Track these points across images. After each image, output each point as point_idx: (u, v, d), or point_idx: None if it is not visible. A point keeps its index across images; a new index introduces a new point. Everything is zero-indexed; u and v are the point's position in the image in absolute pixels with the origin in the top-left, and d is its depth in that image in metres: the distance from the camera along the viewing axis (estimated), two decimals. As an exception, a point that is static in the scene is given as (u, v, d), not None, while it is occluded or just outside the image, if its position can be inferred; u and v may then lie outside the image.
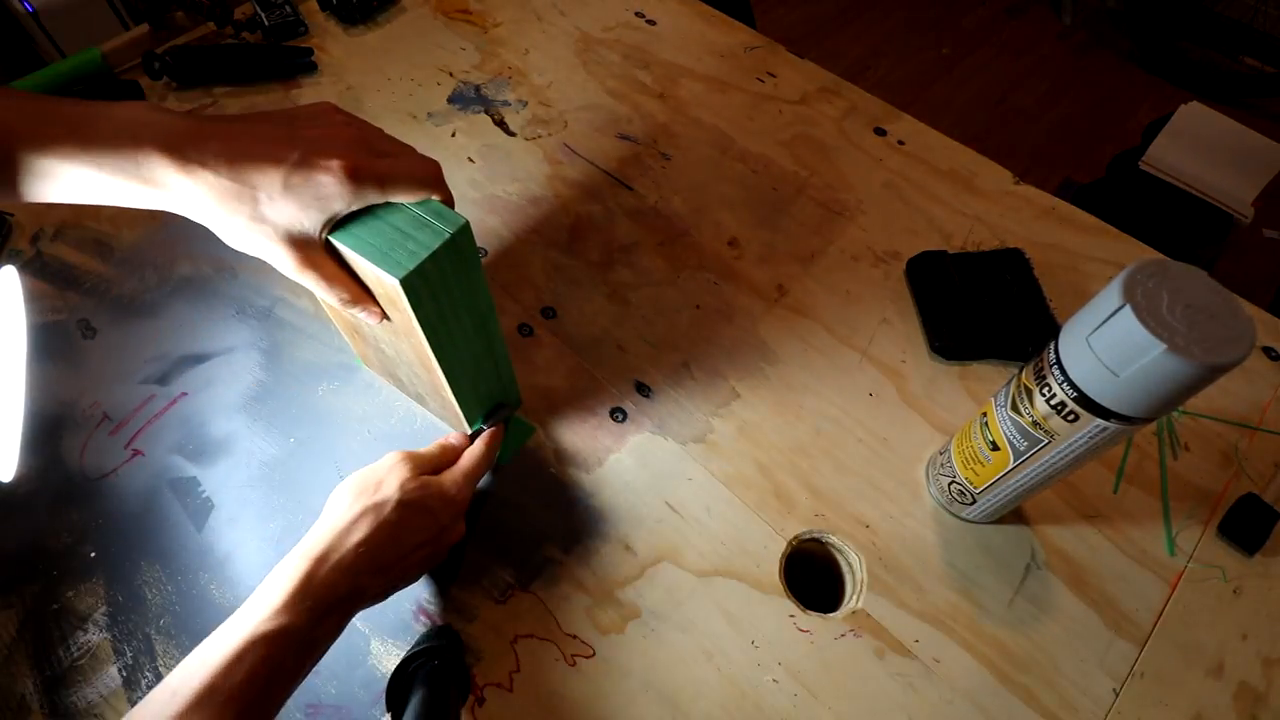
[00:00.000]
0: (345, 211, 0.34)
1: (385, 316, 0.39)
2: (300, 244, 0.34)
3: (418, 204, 0.35)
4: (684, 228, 0.63)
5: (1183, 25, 2.08)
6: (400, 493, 0.41)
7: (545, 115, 0.70)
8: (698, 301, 0.59)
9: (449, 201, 0.36)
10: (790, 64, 0.76)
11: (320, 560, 0.37)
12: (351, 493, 0.41)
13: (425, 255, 0.33)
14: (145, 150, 0.31)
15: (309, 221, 0.33)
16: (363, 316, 0.38)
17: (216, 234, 0.34)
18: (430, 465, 0.44)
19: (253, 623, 0.34)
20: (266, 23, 0.72)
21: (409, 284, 0.33)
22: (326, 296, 0.36)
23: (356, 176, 0.33)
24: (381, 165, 0.34)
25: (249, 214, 0.33)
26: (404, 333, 0.39)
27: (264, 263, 0.35)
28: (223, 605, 0.45)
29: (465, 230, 0.35)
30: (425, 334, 0.37)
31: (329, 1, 0.76)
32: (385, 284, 0.34)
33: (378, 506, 0.40)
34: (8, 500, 0.48)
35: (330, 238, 0.34)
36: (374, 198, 0.34)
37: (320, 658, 0.38)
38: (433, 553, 0.43)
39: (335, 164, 0.32)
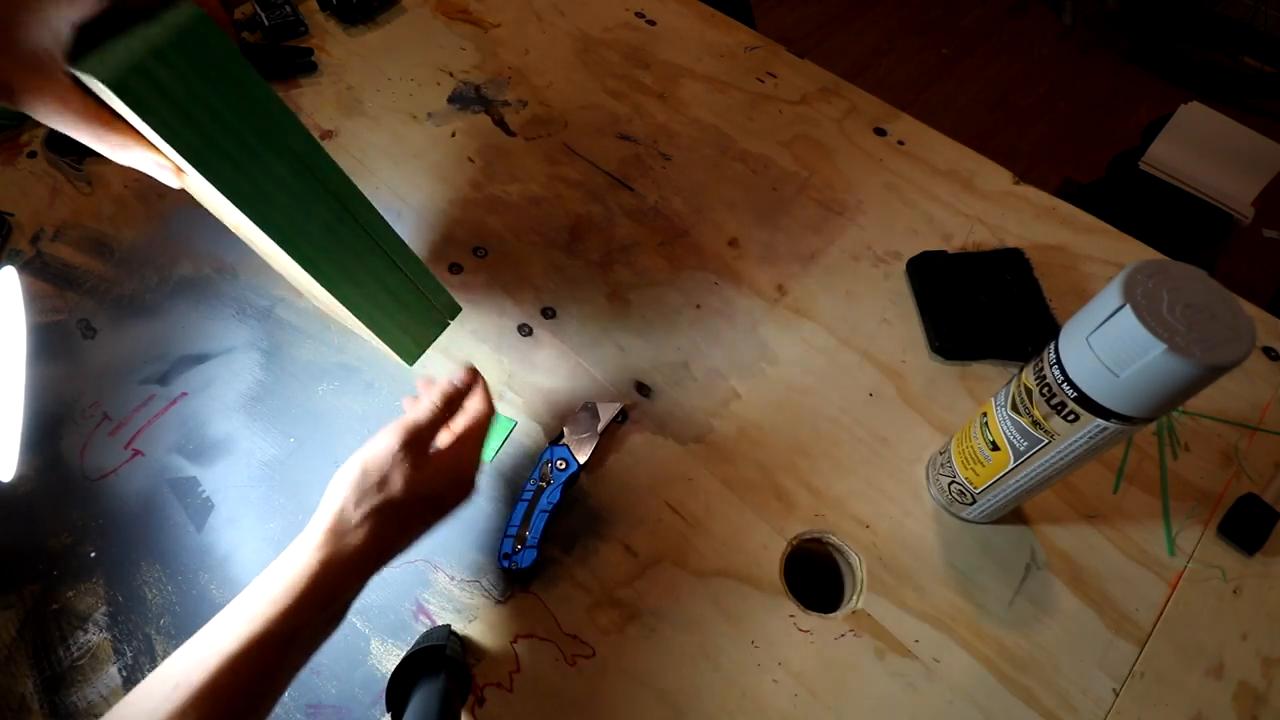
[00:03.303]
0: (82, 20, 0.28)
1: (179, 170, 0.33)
2: (40, 71, 0.29)
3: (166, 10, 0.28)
4: (684, 228, 0.63)
5: (1183, 25, 2.08)
6: (407, 490, 0.38)
7: (545, 115, 0.70)
8: (698, 301, 0.59)
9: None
10: (790, 64, 0.76)
11: (327, 563, 0.36)
12: (355, 488, 0.38)
13: (143, 51, 0.26)
14: None
15: (48, 41, 0.28)
16: (152, 170, 0.33)
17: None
18: (433, 431, 0.41)
19: (259, 624, 0.33)
20: (266, 23, 0.72)
21: (122, 86, 0.26)
22: (97, 146, 0.32)
23: None
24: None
25: None
26: (202, 187, 0.31)
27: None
28: (222, 605, 0.45)
29: (203, 22, 0.28)
30: (199, 168, 0.29)
31: (329, 1, 0.76)
32: (118, 105, 0.28)
33: (383, 509, 0.37)
34: (8, 500, 0.49)
35: (74, 69, 0.28)
36: None
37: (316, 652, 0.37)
38: (442, 517, 0.41)
39: None
